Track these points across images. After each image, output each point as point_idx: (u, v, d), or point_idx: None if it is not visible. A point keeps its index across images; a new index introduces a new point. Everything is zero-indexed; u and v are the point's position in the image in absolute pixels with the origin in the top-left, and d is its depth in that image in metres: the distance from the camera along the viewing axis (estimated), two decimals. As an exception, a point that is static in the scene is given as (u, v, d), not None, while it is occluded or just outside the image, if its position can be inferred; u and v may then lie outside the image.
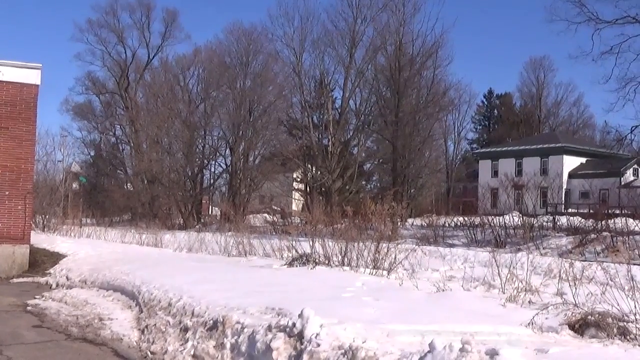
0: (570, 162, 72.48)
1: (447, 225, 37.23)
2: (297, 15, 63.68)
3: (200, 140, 69.34)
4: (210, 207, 75.58)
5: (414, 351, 7.34)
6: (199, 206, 68.53)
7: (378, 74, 62.46)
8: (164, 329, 10.75)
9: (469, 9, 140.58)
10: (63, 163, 61.50)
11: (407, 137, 57.90)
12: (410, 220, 42.97)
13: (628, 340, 8.14)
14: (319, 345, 7.92)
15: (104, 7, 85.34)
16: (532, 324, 8.60)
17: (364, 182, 71.86)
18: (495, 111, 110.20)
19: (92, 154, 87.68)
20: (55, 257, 21.92)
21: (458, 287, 12.74)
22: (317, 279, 14.02)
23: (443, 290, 11.93)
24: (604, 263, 15.15)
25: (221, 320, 9.81)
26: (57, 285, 17.98)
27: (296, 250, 17.97)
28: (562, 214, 41.67)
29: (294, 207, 66.82)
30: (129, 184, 74.43)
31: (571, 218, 33.85)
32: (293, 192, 71.09)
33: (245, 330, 9.19)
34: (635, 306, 8.92)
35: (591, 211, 35.90)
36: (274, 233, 32.03)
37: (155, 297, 12.73)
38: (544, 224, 33.19)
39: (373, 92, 63.20)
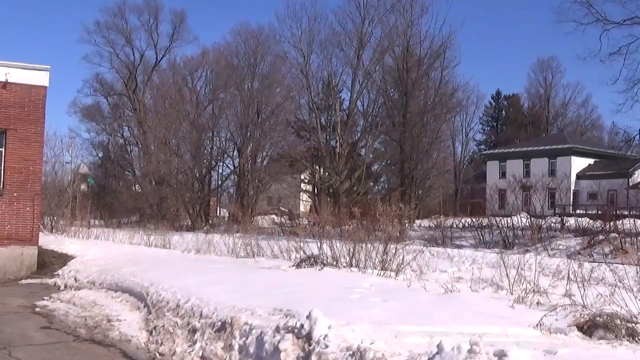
0: (579, 163, 72.32)
1: (454, 226, 37.19)
2: (304, 16, 63.61)
3: (208, 142, 69.31)
4: (218, 208, 75.59)
5: (422, 352, 7.35)
6: (207, 207, 68.52)
7: (386, 75, 62.39)
8: (172, 330, 10.77)
9: (477, 10, 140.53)
10: (71, 164, 61.53)
11: (415, 139, 57.86)
12: (418, 222, 42.94)
13: (637, 341, 8.13)
14: (327, 346, 7.93)
15: (112, 8, 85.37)
16: (541, 325, 8.59)
17: (371, 184, 71.77)
18: (503, 112, 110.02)
19: (100, 155, 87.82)
20: (64, 259, 21.98)
21: (466, 289, 12.74)
22: (325, 280, 14.03)
23: (451, 291, 11.92)
24: (613, 264, 15.12)
25: (229, 321, 9.82)
26: (66, 286, 18.03)
27: (304, 252, 17.97)
28: (570, 215, 41.55)
29: (301, 209, 66.84)
30: (137, 186, 74.43)
31: (579, 219, 33.75)
32: (301, 193, 71.02)
33: (254, 331, 9.20)
34: (644, 307, 8.91)
35: (599, 212, 35.80)
36: (282, 234, 31.99)
37: (163, 298, 12.76)
38: (552, 225, 33.09)
39: (381, 94, 63.12)
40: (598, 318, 8.61)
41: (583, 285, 10.73)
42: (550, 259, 21.15)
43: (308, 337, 8.27)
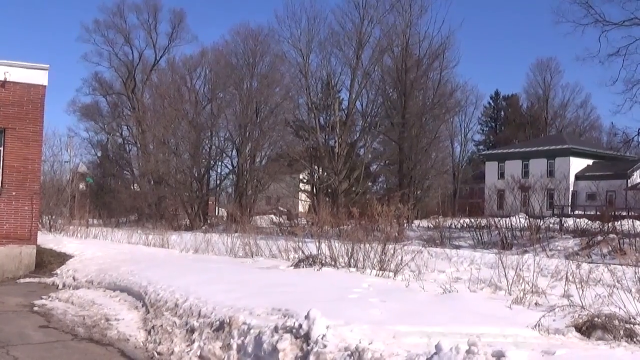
0: (577, 164, 72.32)
1: (453, 226, 37.20)
2: (304, 16, 63.59)
3: (206, 141, 69.35)
4: (216, 208, 75.58)
5: (420, 353, 7.35)
6: (205, 207, 68.50)
7: (385, 76, 62.39)
8: (171, 330, 10.77)
9: (476, 10, 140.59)
10: (70, 163, 61.57)
11: (414, 139, 57.87)
12: (416, 222, 42.99)
13: (635, 342, 8.13)
14: (325, 346, 7.93)
15: (111, 7, 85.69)
16: (539, 325, 8.59)
17: (370, 184, 71.75)
18: (502, 113, 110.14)
19: (99, 154, 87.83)
20: (62, 258, 21.95)
21: (464, 289, 12.73)
22: (323, 280, 14.02)
23: (449, 291, 11.93)
24: (611, 265, 15.13)
25: (228, 321, 9.82)
26: (64, 285, 18.01)
27: (302, 252, 17.97)
28: (568, 216, 41.61)
29: (300, 209, 66.77)
30: (135, 185, 74.42)
31: (578, 220, 33.81)
32: (299, 193, 71.01)
33: (252, 331, 9.20)
34: (642, 308, 8.92)
35: (598, 213, 35.84)
36: (280, 234, 31.98)
37: (161, 297, 12.75)
38: (551, 225, 33.12)
39: (380, 94, 63.11)
40: (596, 319, 8.62)
41: (581, 286, 10.74)
42: (549, 260, 21.18)
43: (306, 337, 8.27)
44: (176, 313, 11.50)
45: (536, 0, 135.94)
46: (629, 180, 67.24)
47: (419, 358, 7.25)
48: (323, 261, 16.69)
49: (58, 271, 20.20)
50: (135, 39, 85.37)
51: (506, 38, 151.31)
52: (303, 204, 69.42)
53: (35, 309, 14.28)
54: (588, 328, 8.55)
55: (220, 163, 72.22)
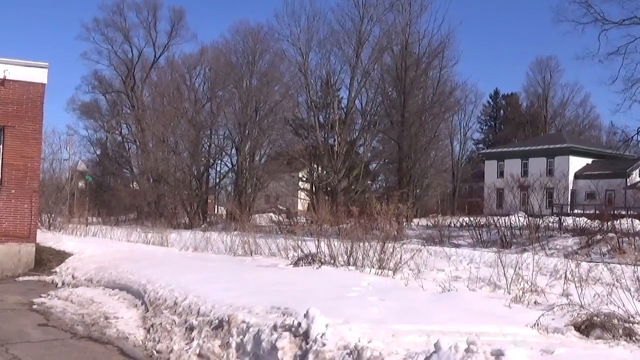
0: (577, 163, 72.32)
1: (452, 225, 37.16)
2: (303, 14, 63.57)
3: (206, 140, 69.40)
4: (216, 206, 75.62)
5: (420, 351, 7.35)
6: (204, 205, 68.54)
7: (384, 74, 62.38)
8: (170, 328, 10.77)
9: (476, 9, 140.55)
10: (69, 162, 61.67)
11: (413, 137, 57.84)
12: (415, 221, 42.92)
13: (634, 341, 8.14)
14: (324, 345, 7.93)
15: (111, 6, 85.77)
16: (538, 324, 8.60)
17: (369, 182, 71.73)
18: (502, 111, 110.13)
19: (98, 152, 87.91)
20: (61, 256, 21.94)
21: (464, 288, 12.73)
22: (322, 278, 14.03)
23: (449, 290, 11.92)
24: (610, 264, 15.12)
25: (227, 319, 9.82)
26: (63, 283, 18.00)
27: (302, 250, 17.96)
28: (568, 215, 41.58)
29: (299, 207, 66.79)
30: (135, 183, 74.49)
31: (577, 219, 33.75)
32: (299, 191, 71.00)
33: (251, 329, 9.20)
34: (641, 307, 8.92)
35: (597, 212, 35.78)
36: (279, 232, 31.98)
37: (161, 296, 12.75)
38: (550, 224, 33.08)
39: (379, 92, 63.11)
40: (595, 318, 8.62)
41: (580, 284, 10.74)
42: (548, 259, 21.16)
43: (305, 336, 8.27)
44: (175, 311, 11.50)
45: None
46: (628, 179, 67.18)
47: (418, 357, 7.25)
48: (322, 260, 16.68)
49: (57, 269, 20.20)
50: (135, 37, 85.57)
51: (506, 37, 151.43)
52: (302, 203, 69.44)
53: (35, 307, 14.28)
54: (587, 327, 8.55)
55: (219, 161, 72.39)
